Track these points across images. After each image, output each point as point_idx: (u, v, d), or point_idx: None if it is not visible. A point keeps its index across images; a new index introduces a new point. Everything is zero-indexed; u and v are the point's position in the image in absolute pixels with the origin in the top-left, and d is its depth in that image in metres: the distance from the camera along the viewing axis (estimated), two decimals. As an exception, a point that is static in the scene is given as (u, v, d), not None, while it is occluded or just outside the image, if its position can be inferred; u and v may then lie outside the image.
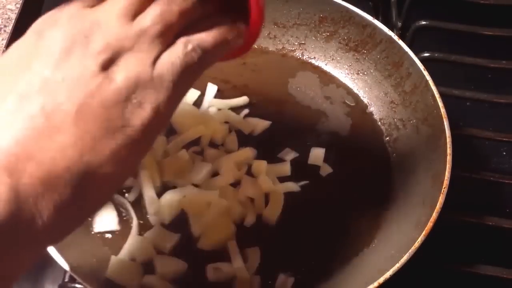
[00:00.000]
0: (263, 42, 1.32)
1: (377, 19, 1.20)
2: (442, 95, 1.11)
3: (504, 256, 1.10)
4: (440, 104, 1.07)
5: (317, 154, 1.17)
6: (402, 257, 0.91)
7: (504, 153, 1.26)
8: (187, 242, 1.05)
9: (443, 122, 1.05)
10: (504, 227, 1.12)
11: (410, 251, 0.91)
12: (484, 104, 1.30)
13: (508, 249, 1.11)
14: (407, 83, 1.17)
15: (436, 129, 1.07)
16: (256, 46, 1.32)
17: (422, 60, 1.15)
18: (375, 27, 1.20)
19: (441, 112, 1.06)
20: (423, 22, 1.34)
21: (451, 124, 1.06)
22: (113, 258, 1.00)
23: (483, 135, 1.24)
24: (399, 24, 1.40)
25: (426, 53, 1.28)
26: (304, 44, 1.31)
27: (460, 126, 1.22)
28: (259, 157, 1.15)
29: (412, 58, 1.14)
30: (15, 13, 1.39)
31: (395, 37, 1.17)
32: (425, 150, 1.10)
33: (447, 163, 1.00)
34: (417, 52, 1.22)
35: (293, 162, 1.16)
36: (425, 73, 1.11)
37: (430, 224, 0.93)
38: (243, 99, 1.24)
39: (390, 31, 1.18)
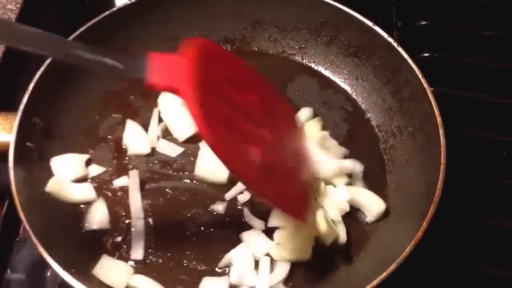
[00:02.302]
0: (263, 44, 1.32)
1: (377, 19, 1.19)
2: (442, 95, 1.09)
3: (505, 256, 1.08)
4: (437, 112, 1.06)
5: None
6: (389, 265, 0.90)
7: (504, 153, 1.23)
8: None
9: (438, 131, 1.04)
10: (504, 227, 1.11)
11: (398, 260, 0.90)
12: (484, 104, 1.28)
13: (509, 249, 1.09)
14: (405, 90, 1.16)
15: (432, 137, 1.06)
16: (256, 49, 1.33)
17: (423, 60, 1.12)
18: (375, 33, 1.18)
19: (437, 121, 1.05)
20: (423, 22, 1.33)
21: (451, 124, 1.05)
22: (104, 257, 1.00)
23: (483, 135, 1.22)
24: (399, 24, 1.39)
25: (426, 53, 1.27)
26: (304, 48, 1.30)
27: (460, 126, 1.20)
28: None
29: (410, 65, 1.13)
30: (15, 13, 1.40)
31: (395, 44, 1.15)
32: (420, 159, 1.09)
33: (440, 172, 0.99)
34: (417, 52, 1.21)
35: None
36: (423, 80, 1.10)
37: (419, 234, 0.92)
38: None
39: (390, 37, 1.16)
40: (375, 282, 0.89)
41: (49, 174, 1.07)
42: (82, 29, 1.15)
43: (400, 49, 1.15)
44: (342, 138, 1.20)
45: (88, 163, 1.13)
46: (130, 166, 1.13)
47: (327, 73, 1.29)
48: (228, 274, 1.01)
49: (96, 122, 1.19)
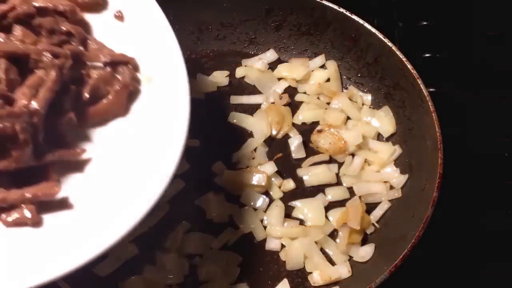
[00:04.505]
0: (214, 44, 1.30)
1: (379, 19, 1.18)
2: (442, 95, 1.10)
3: (505, 257, 1.10)
4: (410, 66, 1.08)
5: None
6: (390, 266, 0.90)
7: (506, 154, 1.23)
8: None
9: (417, 82, 1.06)
10: (505, 229, 1.12)
11: (397, 261, 0.90)
12: (484, 104, 1.28)
13: (509, 250, 1.10)
14: (369, 55, 1.18)
15: (411, 92, 1.09)
16: (208, 51, 1.30)
17: (423, 60, 1.13)
18: (324, 7, 1.19)
19: (412, 74, 1.07)
20: (424, 23, 1.35)
21: (450, 124, 1.05)
22: None
23: (483, 135, 1.23)
24: (400, 24, 1.39)
25: (427, 53, 1.29)
26: (255, 38, 1.30)
27: (460, 126, 1.21)
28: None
29: (369, 29, 1.15)
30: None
31: (347, 13, 1.17)
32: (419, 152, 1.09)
33: (438, 173, 0.97)
34: (418, 52, 1.21)
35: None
36: (386, 40, 1.12)
37: (419, 234, 0.92)
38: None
39: (341, 8, 1.18)
40: (375, 282, 0.89)
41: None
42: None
43: (354, 17, 1.17)
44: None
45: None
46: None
47: (283, 57, 1.29)
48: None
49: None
